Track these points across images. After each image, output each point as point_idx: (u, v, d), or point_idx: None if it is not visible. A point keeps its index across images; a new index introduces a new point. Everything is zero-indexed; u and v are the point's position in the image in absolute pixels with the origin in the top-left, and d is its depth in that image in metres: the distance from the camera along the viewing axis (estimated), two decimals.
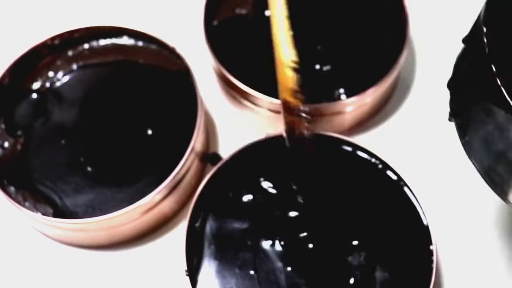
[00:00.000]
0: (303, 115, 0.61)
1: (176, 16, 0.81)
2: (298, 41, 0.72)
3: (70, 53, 0.73)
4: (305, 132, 0.62)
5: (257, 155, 0.66)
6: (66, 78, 0.71)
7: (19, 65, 0.70)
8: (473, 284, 0.65)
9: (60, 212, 0.64)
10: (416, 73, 0.77)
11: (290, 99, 0.61)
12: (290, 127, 0.62)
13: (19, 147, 0.67)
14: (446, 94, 0.76)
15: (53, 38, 0.72)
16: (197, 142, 0.66)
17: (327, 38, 0.72)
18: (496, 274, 0.66)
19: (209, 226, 0.63)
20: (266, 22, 0.74)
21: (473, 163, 0.51)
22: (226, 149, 0.73)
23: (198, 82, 0.68)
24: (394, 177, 0.65)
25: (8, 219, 0.69)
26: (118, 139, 0.68)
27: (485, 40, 0.45)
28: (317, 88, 0.70)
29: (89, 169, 0.66)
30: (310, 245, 0.61)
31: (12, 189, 0.65)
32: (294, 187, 0.64)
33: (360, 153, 0.66)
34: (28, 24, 0.81)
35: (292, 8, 0.74)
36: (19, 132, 0.68)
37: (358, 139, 0.67)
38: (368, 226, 0.62)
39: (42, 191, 0.65)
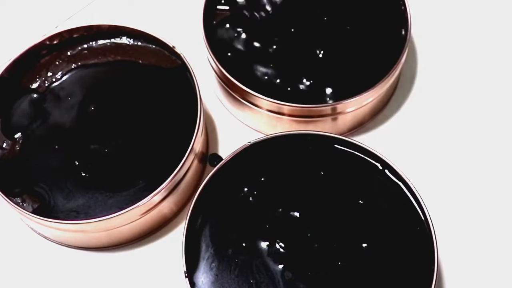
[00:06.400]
0: None
1: (175, 16, 0.81)
2: (300, 42, 0.72)
3: (69, 52, 0.72)
4: None
5: (257, 155, 0.66)
6: (65, 78, 0.71)
7: (17, 64, 0.70)
8: (474, 284, 0.65)
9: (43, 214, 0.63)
10: (417, 74, 0.77)
11: None
12: None
13: (17, 148, 0.67)
14: (447, 94, 0.76)
15: (52, 38, 0.71)
16: (196, 142, 0.65)
17: (328, 39, 0.72)
18: (496, 275, 0.65)
19: (209, 228, 0.62)
20: (266, 22, 0.74)
21: None
22: (226, 149, 0.72)
23: (197, 82, 0.68)
24: (395, 178, 0.64)
25: (7, 221, 0.69)
26: (115, 140, 0.67)
27: None
28: (318, 88, 0.69)
29: (82, 173, 0.66)
30: (311, 248, 0.61)
31: (10, 190, 0.65)
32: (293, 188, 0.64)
33: (360, 153, 0.66)
34: (27, 24, 0.81)
35: (294, 9, 0.74)
36: (18, 134, 0.68)
37: (358, 140, 0.67)
38: (370, 228, 0.62)
39: (38, 193, 0.65)
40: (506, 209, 0.69)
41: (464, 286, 0.65)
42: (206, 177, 0.64)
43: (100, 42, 0.73)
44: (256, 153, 0.66)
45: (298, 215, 0.63)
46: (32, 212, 0.63)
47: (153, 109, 0.69)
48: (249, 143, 0.66)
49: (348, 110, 0.69)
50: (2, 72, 0.69)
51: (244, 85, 0.68)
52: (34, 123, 0.69)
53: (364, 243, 0.61)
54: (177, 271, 0.63)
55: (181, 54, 0.69)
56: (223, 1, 0.74)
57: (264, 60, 0.71)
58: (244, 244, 0.61)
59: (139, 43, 0.72)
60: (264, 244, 0.61)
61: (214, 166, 0.65)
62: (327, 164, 0.66)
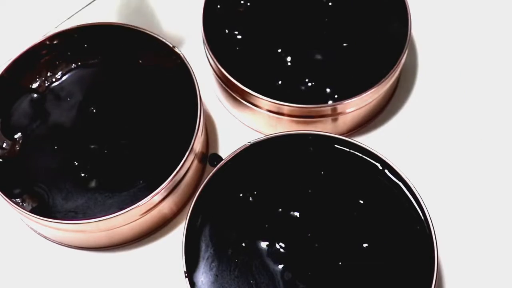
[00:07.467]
0: None
1: (175, 16, 0.81)
2: (300, 42, 0.72)
3: (69, 52, 0.72)
4: None
5: (257, 155, 0.66)
6: (65, 78, 0.71)
7: (17, 64, 0.70)
8: (474, 284, 0.65)
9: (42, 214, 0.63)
10: (417, 74, 0.77)
11: None
12: None
13: (17, 148, 0.67)
14: (448, 94, 0.76)
15: (52, 38, 0.71)
16: (196, 142, 0.65)
17: (328, 39, 0.72)
18: (496, 274, 0.65)
19: (209, 228, 0.62)
20: (266, 23, 0.74)
21: None
22: (226, 149, 0.72)
23: (197, 82, 0.68)
24: (395, 178, 0.64)
25: (7, 221, 0.69)
26: (115, 140, 0.67)
27: None
28: (318, 88, 0.69)
29: (82, 174, 0.66)
30: (311, 248, 0.61)
31: (10, 190, 0.64)
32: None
33: (360, 153, 0.66)
34: (27, 24, 0.81)
35: (294, 9, 0.74)
36: (18, 134, 0.68)
37: (359, 140, 0.67)
38: (370, 228, 0.62)
39: (37, 194, 0.65)
40: (506, 209, 0.69)
41: (464, 286, 0.65)
42: (206, 177, 0.64)
43: (100, 42, 0.73)
44: (256, 153, 0.66)
45: (298, 215, 0.63)
46: (31, 212, 0.63)
47: (153, 109, 0.69)
48: (249, 143, 0.66)
49: (348, 110, 0.69)
50: (2, 72, 0.69)
51: (244, 85, 0.68)
52: (34, 123, 0.69)
53: (364, 243, 0.61)
54: (177, 271, 0.63)
55: (181, 54, 0.69)
56: (223, 1, 0.74)
57: (264, 60, 0.71)
58: (244, 244, 0.61)
59: (140, 43, 0.72)
60: (264, 244, 0.61)
61: (214, 166, 0.65)
62: (327, 164, 0.66)
